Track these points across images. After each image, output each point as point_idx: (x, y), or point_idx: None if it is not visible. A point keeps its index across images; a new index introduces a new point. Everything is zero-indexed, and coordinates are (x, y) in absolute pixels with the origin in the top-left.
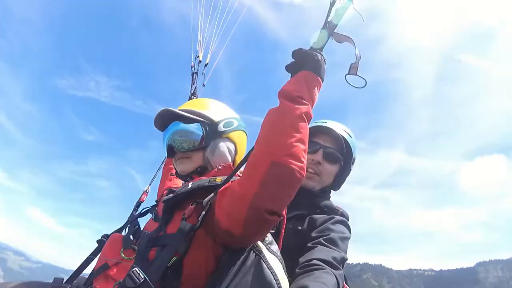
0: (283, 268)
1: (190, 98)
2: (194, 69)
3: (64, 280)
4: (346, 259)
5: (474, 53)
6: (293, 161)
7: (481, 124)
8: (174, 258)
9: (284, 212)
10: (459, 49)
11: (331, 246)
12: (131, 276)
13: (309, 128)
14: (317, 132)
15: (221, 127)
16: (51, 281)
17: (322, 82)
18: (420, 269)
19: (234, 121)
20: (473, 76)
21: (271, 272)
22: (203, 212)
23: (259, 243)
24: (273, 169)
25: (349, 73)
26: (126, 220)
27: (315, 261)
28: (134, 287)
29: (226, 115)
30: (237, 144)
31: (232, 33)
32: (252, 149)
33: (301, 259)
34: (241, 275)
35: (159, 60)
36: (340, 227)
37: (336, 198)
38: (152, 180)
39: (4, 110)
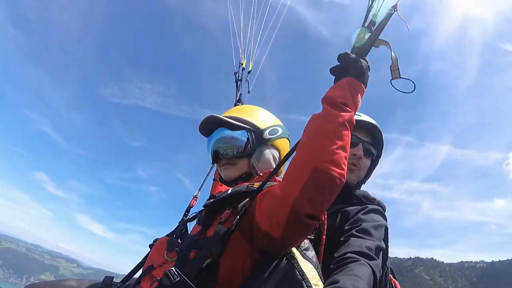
0: (319, 274)
1: (235, 105)
2: (238, 76)
3: (119, 281)
4: (383, 247)
5: None
6: (334, 168)
7: None
8: (208, 260)
9: (324, 218)
10: (501, 38)
11: (364, 236)
12: (168, 275)
13: None
14: (355, 126)
15: (266, 135)
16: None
17: (365, 88)
18: (471, 261)
19: (279, 129)
20: None
21: (303, 278)
22: (238, 217)
23: (293, 249)
24: (314, 175)
25: (392, 78)
26: (177, 225)
27: (348, 255)
28: (169, 285)
29: (271, 122)
30: (282, 152)
31: (274, 36)
32: (291, 151)
33: (335, 255)
34: (272, 281)
35: (202, 64)
36: (372, 216)
37: (384, 193)
38: (202, 185)
39: (49, 120)
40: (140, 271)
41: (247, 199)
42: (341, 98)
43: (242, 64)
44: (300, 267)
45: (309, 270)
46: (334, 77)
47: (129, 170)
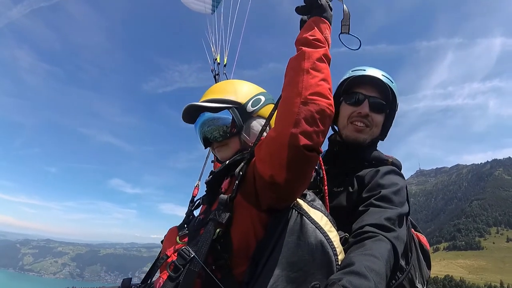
0: (330, 221)
1: None
2: (215, 72)
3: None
4: (405, 212)
5: None
6: (321, 99)
7: None
8: (218, 230)
9: (323, 169)
10: None
11: (384, 205)
12: (181, 254)
13: (349, 78)
14: (358, 82)
15: (249, 108)
16: None
17: (330, 24)
18: None
19: (261, 98)
20: None
21: (316, 227)
22: (237, 181)
23: (300, 201)
24: (303, 109)
25: (341, 32)
26: (185, 216)
27: (367, 228)
28: (184, 263)
29: (252, 93)
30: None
31: (245, 24)
32: (280, 98)
33: (354, 226)
34: (286, 235)
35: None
36: (391, 178)
37: (446, 102)
38: (201, 174)
39: (107, 131)
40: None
41: (242, 163)
42: (312, 36)
43: (216, 59)
44: (311, 217)
45: (320, 218)
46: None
47: (194, 150)
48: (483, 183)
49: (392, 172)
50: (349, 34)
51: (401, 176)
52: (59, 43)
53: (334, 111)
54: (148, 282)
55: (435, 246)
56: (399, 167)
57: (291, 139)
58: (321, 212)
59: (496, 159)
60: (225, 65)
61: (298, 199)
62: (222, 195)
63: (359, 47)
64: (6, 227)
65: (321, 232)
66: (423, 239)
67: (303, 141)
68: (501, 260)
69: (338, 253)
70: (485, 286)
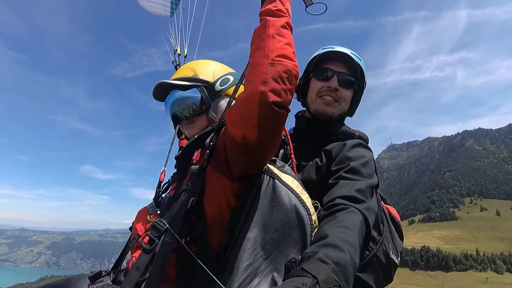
0: (301, 185)
1: None
2: (175, 62)
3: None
4: (375, 183)
5: None
6: (286, 60)
7: None
8: (192, 200)
9: (288, 138)
10: None
11: (353, 177)
12: (155, 226)
13: (319, 54)
14: (328, 58)
15: (218, 86)
16: None
17: None
18: None
19: (230, 77)
20: None
21: (288, 189)
22: (208, 151)
23: (271, 166)
24: (271, 68)
25: (306, 6)
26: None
27: (337, 200)
28: (159, 235)
29: (221, 73)
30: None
31: (205, 15)
32: (246, 66)
33: (325, 199)
34: (259, 199)
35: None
36: (358, 151)
37: (415, 76)
38: (167, 160)
39: (76, 116)
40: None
41: (212, 134)
42: (274, 7)
43: (176, 50)
44: (283, 180)
45: (291, 181)
46: None
47: (164, 133)
48: (455, 154)
49: (359, 145)
50: (313, 3)
51: (368, 149)
52: (24, 28)
53: (299, 72)
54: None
55: (410, 219)
56: (366, 140)
57: (261, 97)
58: (292, 176)
59: (467, 130)
60: (185, 56)
61: (268, 165)
62: (193, 166)
63: (326, 10)
64: None
65: (293, 194)
66: (393, 211)
67: (273, 98)
68: (476, 229)
69: (311, 214)
70: (461, 254)
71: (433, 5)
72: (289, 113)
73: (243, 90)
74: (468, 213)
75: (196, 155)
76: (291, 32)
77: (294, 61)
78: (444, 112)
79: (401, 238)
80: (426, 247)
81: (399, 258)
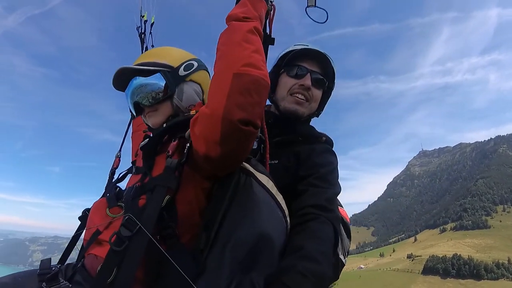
0: (275, 185)
1: None
2: (141, 29)
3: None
4: (339, 191)
5: None
6: (254, 69)
7: None
8: (167, 197)
9: (266, 136)
10: None
11: (322, 185)
12: (126, 225)
13: (293, 51)
14: (302, 55)
15: (182, 71)
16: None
17: (267, 4)
18: None
19: (194, 63)
20: None
21: (265, 189)
22: (187, 145)
23: (246, 165)
24: (236, 81)
25: (308, 5)
26: (104, 190)
27: (308, 209)
28: (130, 235)
29: (184, 58)
30: (202, 84)
31: None
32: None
33: (294, 206)
34: (236, 198)
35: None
36: (327, 157)
37: (445, 79)
38: (122, 144)
39: (105, 128)
40: (82, 243)
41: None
42: (243, 14)
43: (143, 16)
44: (258, 179)
45: (267, 181)
46: None
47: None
48: (488, 160)
49: (328, 151)
50: (315, 6)
51: (335, 155)
52: (53, 47)
53: (269, 82)
54: (69, 263)
55: (441, 227)
56: (332, 145)
57: (225, 114)
58: (266, 176)
59: (500, 135)
60: (152, 24)
61: (244, 162)
62: (170, 159)
63: (326, 20)
64: (14, 226)
65: (269, 195)
66: (343, 212)
67: (238, 114)
68: (508, 238)
69: (287, 216)
70: (493, 263)
71: (461, 5)
72: (259, 129)
73: (206, 102)
74: (500, 221)
75: (171, 146)
76: (261, 39)
77: (263, 70)
78: (476, 117)
79: (349, 237)
80: (458, 255)
81: (346, 258)
